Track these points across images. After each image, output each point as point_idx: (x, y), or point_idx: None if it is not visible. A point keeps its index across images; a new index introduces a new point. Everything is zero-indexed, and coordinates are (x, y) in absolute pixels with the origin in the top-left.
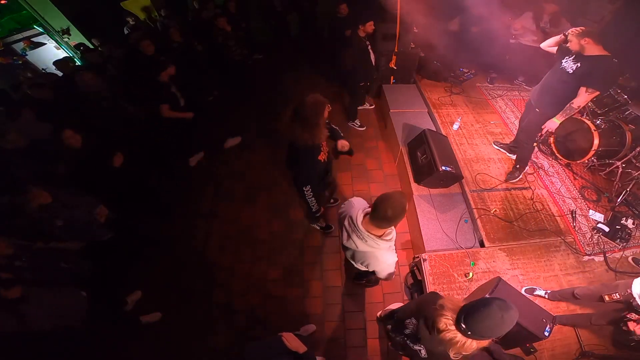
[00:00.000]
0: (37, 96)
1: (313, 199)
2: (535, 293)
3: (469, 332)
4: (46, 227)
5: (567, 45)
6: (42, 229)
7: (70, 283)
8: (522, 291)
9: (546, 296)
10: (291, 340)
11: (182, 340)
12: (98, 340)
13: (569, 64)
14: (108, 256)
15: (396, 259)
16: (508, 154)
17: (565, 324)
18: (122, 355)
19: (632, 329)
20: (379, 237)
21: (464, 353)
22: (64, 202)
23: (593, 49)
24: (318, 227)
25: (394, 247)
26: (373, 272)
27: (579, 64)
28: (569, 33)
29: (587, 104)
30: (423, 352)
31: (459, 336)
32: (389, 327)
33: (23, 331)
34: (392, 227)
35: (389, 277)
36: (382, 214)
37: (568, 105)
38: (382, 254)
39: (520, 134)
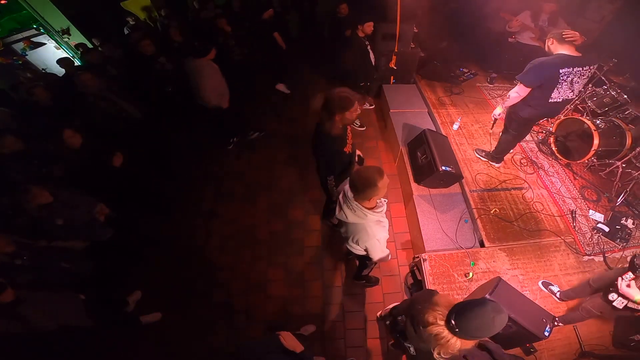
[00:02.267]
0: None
1: (335, 189)
2: (550, 287)
3: (457, 330)
4: (47, 226)
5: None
6: (42, 229)
7: (68, 285)
8: (539, 284)
9: (558, 294)
10: (288, 340)
11: (182, 340)
12: (98, 341)
13: None
14: (108, 256)
15: (387, 235)
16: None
17: (570, 321)
18: (122, 356)
19: (618, 286)
20: (370, 209)
21: (445, 355)
22: (64, 202)
23: (558, 49)
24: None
25: (385, 225)
26: (369, 259)
27: None
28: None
29: (588, 103)
30: (412, 349)
31: (445, 332)
32: (388, 322)
33: (27, 332)
34: (383, 202)
35: (382, 256)
36: (352, 184)
37: None
38: (371, 227)
39: None
